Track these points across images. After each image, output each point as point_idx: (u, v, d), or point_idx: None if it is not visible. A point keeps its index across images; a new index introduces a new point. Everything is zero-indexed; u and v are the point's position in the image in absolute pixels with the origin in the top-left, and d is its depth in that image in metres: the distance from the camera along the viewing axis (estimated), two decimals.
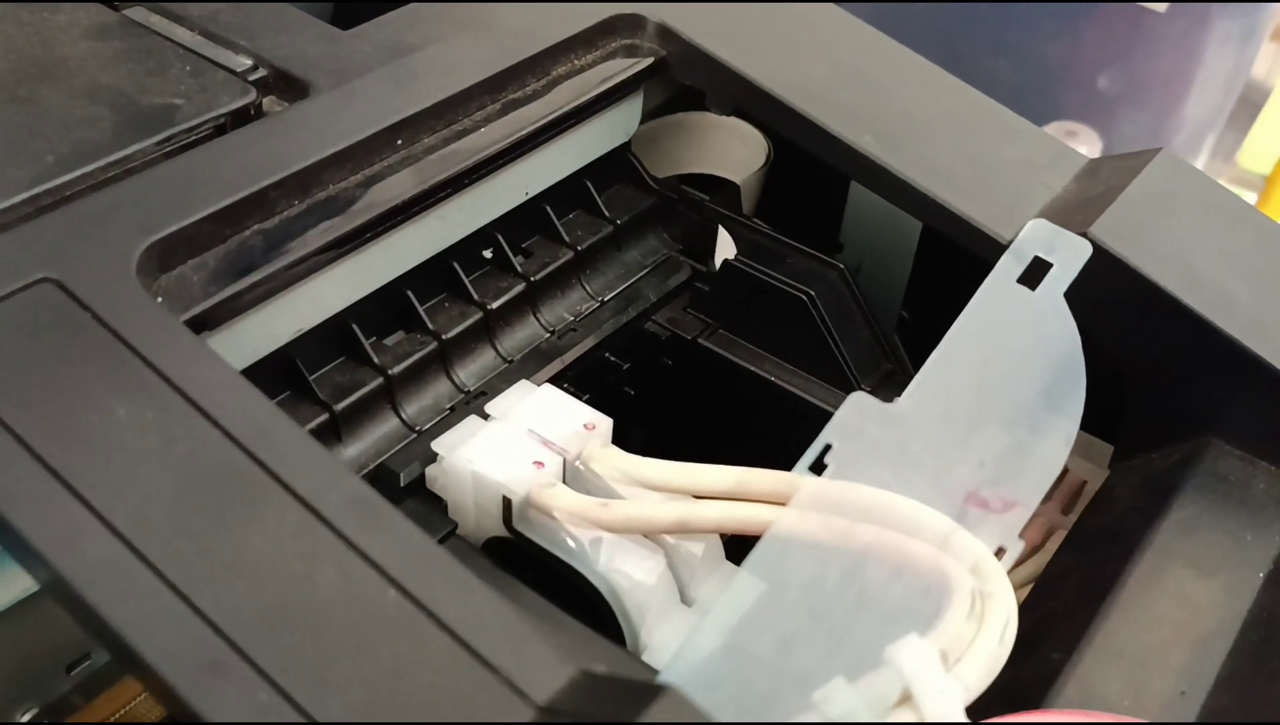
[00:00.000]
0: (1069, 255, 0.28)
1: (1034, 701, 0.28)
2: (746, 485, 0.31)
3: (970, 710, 0.26)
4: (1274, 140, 1.12)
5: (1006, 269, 0.31)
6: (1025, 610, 0.33)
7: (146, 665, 0.22)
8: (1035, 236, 0.28)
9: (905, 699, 0.25)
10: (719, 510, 0.31)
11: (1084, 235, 0.35)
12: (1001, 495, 0.27)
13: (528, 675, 0.23)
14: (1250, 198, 1.05)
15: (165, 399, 0.26)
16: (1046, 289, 0.29)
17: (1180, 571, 0.31)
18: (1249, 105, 1.13)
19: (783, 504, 0.30)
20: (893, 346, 0.42)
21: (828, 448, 0.29)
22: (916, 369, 0.31)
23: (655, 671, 0.30)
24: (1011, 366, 0.28)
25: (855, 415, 0.29)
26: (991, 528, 0.27)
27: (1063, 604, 0.32)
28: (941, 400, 0.28)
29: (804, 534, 0.28)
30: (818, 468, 0.28)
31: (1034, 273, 0.29)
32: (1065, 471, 0.43)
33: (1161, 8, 0.92)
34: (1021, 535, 0.27)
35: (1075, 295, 0.34)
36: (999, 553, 0.27)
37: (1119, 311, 0.36)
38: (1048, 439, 0.28)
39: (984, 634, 0.27)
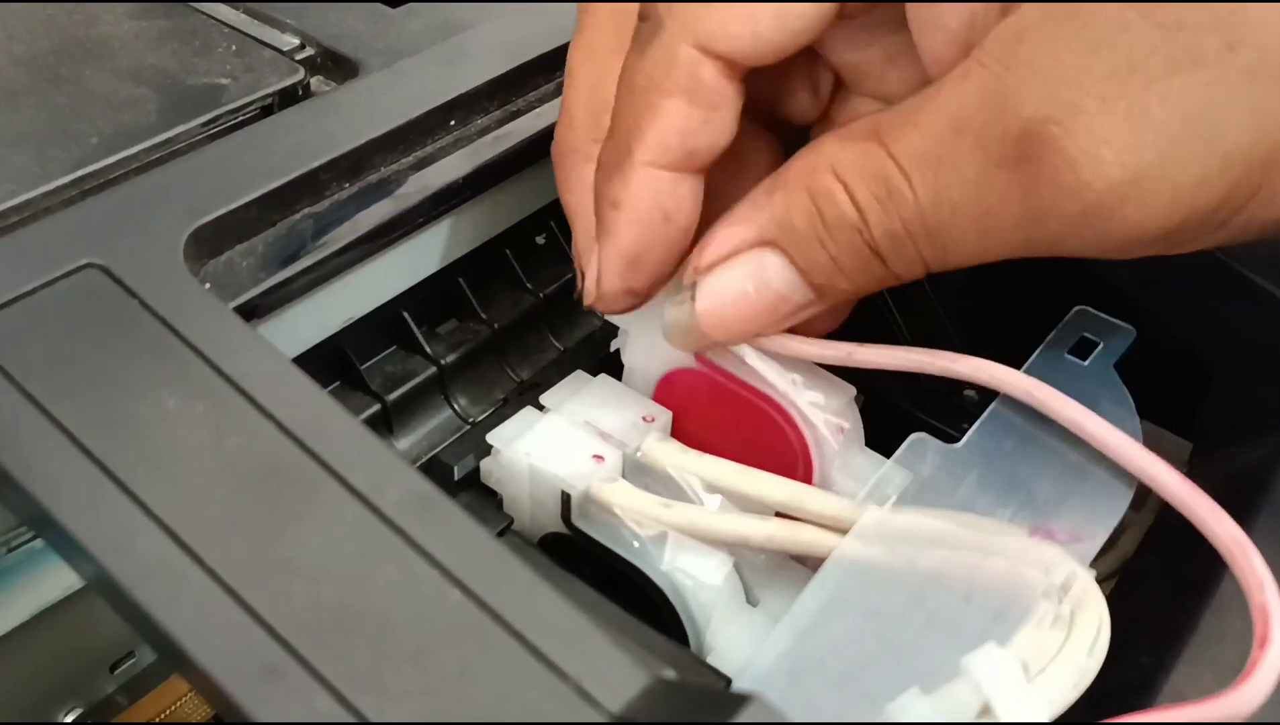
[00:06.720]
0: (1114, 338, 0.29)
1: (1124, 711, 0.27)
2: (804, 503, 0.30)
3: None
4: None
5: (1059, 339, 0.32)
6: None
7: (200, 669, 0.21)
8: (1079, 322, 0.29)
9: (985, 712, 0.24)
10: (781, 530, 0.30)
11: None
12: (1068, 528, 0.26)
13: (600, 682, 0.21)
14: None
15: (217, 390, 0.25)
16: (1097, 363, 0.29)
17: (1274, 571, 0.29)
18: None
19: (840, 531, 0.28)
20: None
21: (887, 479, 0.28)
22: None
23: (724, 676, 0.28)
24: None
25: (915, 454, 0.28)
26: None
27: (1148, 606, 0.31)
28: (999, 443, 0.28)
29: (872, 560, 0.27)
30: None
31: (1083, 348, 0.29)
32: None
33: None
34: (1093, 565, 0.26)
35: (1161, 287, 0.33)
36: None
37: (1205, 302, 0.34)
38: (1109, 483, 0.28)
39: (1072, 644, 0.25)
